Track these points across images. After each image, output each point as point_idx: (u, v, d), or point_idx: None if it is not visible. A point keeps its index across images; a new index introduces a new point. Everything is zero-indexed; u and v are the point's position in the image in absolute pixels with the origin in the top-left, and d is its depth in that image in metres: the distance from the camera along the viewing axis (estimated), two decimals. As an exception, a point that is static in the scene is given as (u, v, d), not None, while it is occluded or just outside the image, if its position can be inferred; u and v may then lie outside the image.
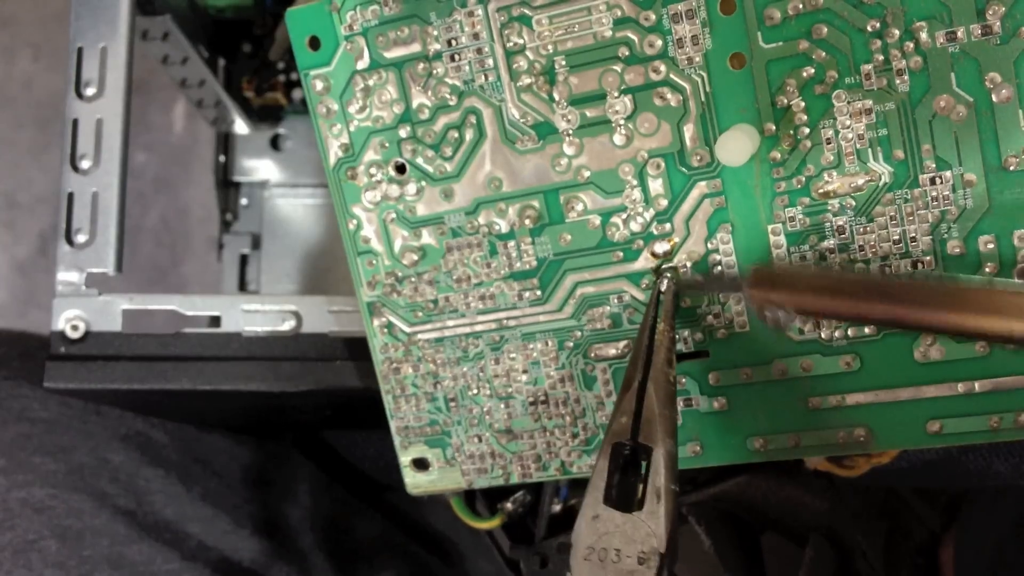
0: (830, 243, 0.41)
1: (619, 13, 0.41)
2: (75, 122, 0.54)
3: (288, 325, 0.54)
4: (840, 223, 0.41)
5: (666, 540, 0.38)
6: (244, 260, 0.97)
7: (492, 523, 0.54)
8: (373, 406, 0.50)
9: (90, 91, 0.54)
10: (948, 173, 0.39)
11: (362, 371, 0.52)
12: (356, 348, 0.51)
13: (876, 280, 0.38)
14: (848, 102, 0.40)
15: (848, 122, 0.40)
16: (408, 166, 0.46)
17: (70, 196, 0.54)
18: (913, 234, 0.40)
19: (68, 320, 0.54)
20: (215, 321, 0.55)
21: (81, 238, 0.54)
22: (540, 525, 0.55)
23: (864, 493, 0.58)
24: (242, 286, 0.97)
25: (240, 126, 0.95)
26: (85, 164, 0.54)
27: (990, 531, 0.62)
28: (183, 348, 0.54)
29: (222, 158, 0.96)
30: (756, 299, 0.39)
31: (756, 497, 0.54)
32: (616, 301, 0.45)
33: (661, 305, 0.42)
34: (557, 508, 0.56)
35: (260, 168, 0.96)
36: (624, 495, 0.39)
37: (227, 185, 0.97)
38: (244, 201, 0.97)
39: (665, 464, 0.39)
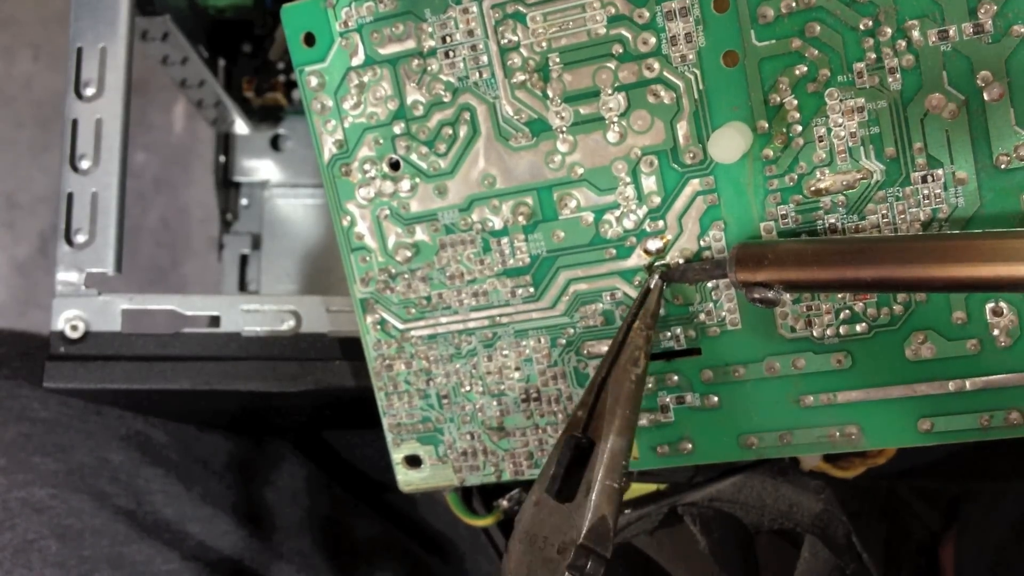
0: (822, 240, 0.41)
1: (613, 10, 0.41)
2: (75, 122, 0.55)
3: (287, 325, 0.54)
4: (832, 221, 0.41)
5: (585, 532, 0.38)
6: (244, 260, 0.97)
7: (488, 520, 0.54)
8: (372, 406, 0.50)
9: (90, 91, 0.55)
10: (940, 171, 0.39)
11: (361, 371, 0.52)
12: (355, 348, 0.51)
13: (862, 243, 0.38)
14: (840, 100, 0.40)
15: (840, 120, 0.40)
16: (402, 162, 0.46)
17: (70, 196, 0.54)
18: (905, 232, 0.40)
19: (68, 320, 0.54)
20: (215, 321, 0.55)
21: (81, 238, 0.54)
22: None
23: (864, 493, 0.58)
24: (242, 286, 0.97)
25: (240, 126, 0.95)
26: (85, 164, 0.54)
27: (990, 531, 0.62)
28: (183, 348, 0.54)
29: (222, 158, 0.96)
30: (742, 279, 0.39)
31: (752, 497, 0.54)
32: (609, 298, 0.45)
33: (645, 303, 0.43)
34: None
35: (260, 168, 0.97)
36: (564, 486, 0.40)
37: (227, 185, 0.97)
38: (244, 201, 0.98)
39: (604, 459, 0.39)
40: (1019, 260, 0.34)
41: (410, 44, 0.44)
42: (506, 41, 0.43)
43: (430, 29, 0.44)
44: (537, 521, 0.39)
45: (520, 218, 0.45)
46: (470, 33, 0.43)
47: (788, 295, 0.42)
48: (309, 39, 0.45)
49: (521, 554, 0.39)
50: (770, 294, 0.39)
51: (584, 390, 0.41)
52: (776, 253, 0.39)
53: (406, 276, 0.47)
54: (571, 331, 0.46)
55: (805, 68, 0.40)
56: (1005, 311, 0.40)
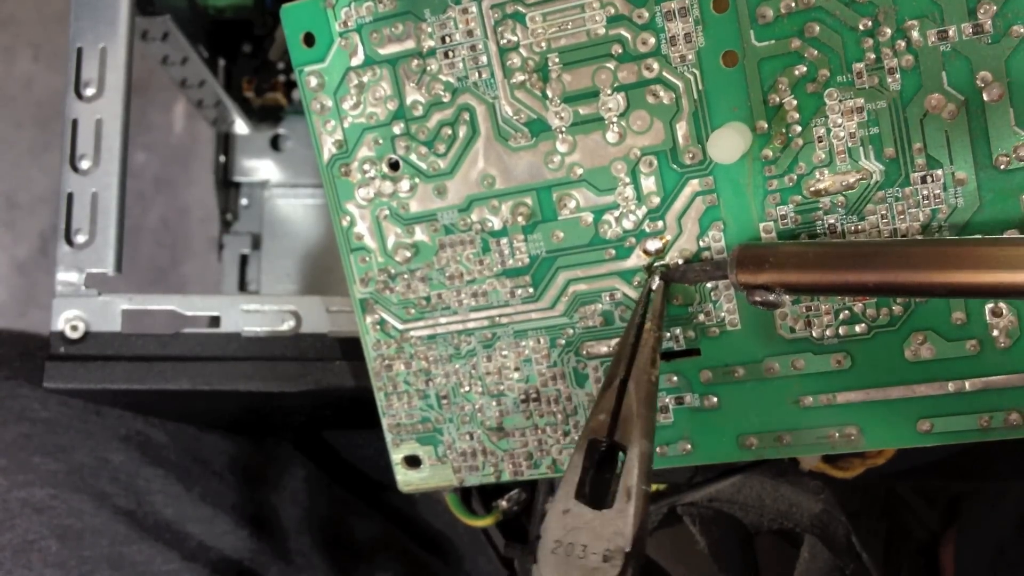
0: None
1: (612, 11, 0.41)
2: (75, 122, 0.55)
3: (287, 325, 0.54)
4: (831, 221, 0.41)
5: (632, 540, 0.38)
6: (244, 260, 0.98)
7: (487, 521, 0.54)
8: (372, 406, 0.50)
9: (90, 91, 0.55)
10: (939, 172, 0.39)
11: (361, 371, 0.52)
12: (355, 348, 0.51)
13: (865, 247, 0.38)
14: (840, 100, 0.40)
15: (840, 120, 0.40)
16: (401, 163, 0.46)
17: (70, 196, 0.54)
18: (904, 232, 0.40)
19: (68, 320, 0.54)
20: (215, 321, 0.55)
21: (81, 238, 0.54)
22: (535, 523, 0.55)
23: (864, 493, 0.58)
24: (242, 286, 0.97)
25: (240, 126, 0.95)
26: (85, 164, 0.54)
27: (990, 531, 0.62)
28: (182, 348, 0.54)
29: (222, 158, 0.96)
30: (744, 281, 0.39)
31: (751, 497, 0.54)
32: (608, 299, 0.45)
33: (650, 304, 0.42)
34: (552, 507, 0.55)
35: (260, 168, 0.97)
36: (596, 492, 0.39)
37: (227, 185, 0.97)
38: (244, 201, 0.98)
39: (638, 464, 0.39)
40: (1021, 267, 0.34)
41: (409, 44, 0.44)
42: (505, 41, 0.43)
43: (429, 29, 0.44)
44: (572, 530, 0.39)
45: (519, 218, 0.45)
46: (469, 33, 0.43)
47: (788, 297, 0.41)
48: (309, 39, 0.45)
49: (556, 564, 0.39)
50: (771, 296, 0.39)
51: (600, 394, 0.41)
52: (778, 255, 0.39)
53: (405, 276, 0.47)
54: (570, 331, 0.46)
55: (804, 68, 0.40)
56: (1004, 312, 0.40)
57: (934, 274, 0.36)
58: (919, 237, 0.40)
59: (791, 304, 0.42)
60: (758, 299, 0.39)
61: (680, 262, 0.43)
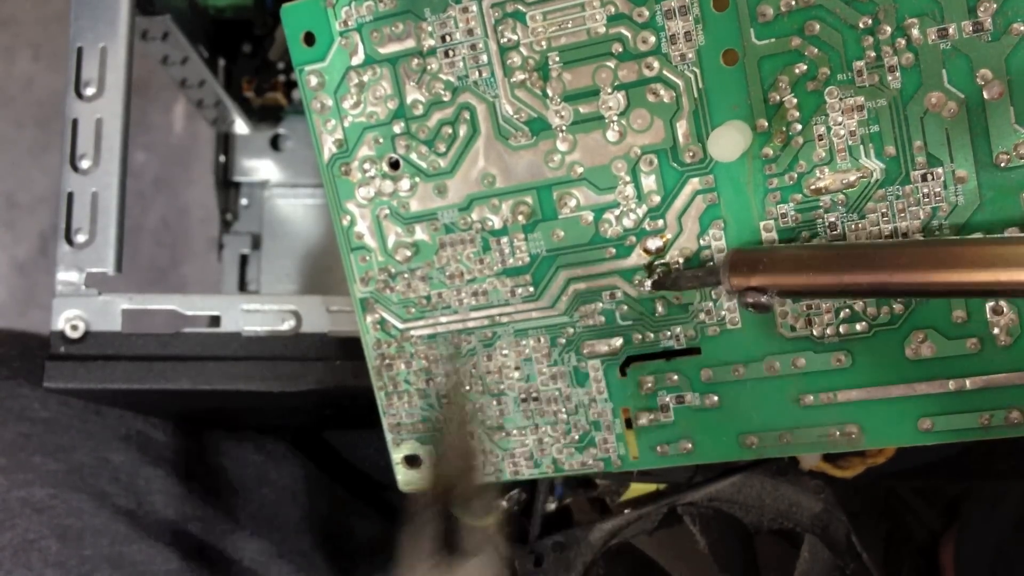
0: (822, 239, 0.41)
1: (612, 9, 0.41)
2: (75, 122, 0.55)
3: (288, 325, 0.54)
4: (832, 219, 0.41)
5: None
6: (244, 260, 0.97)
7: (487, 521, 0.54)
8: (372, 406, 0.50)
9: (90, 91, 0.55)
10: (939, 170, 0.39)
11: (361, 371, 0.52)
12: (356, 348, 0.51)
13: (858, 249, 0.38)
14: (840, 98, 0.40)
15: (840, 118, 0.40)
16: (402, 162, 0.46)
17: (70, 196, 0.54)
18: (905, 230, 0.40)
19: (68, 320, 0.54)
20: (215, 321, 0.55)
21: (81, 238, 0.54)
22: (535, 524, 0.55)
23: (864, 493, 0.58)
24: (242, 286, 0.97)
25: (240, 126, 0.95)
26: (85, 164, 0.54)
27: (990, 531, 0.62)
28: (183, 348, 0.54)
29: (222, 158, 0.96)
30: (736, 285, 0.39)
31: (751, 497, 0.54)
32: (608, 298, 0.45)
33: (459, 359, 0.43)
34: (552, 507, 0.56)
35: (260, 168, 0.97)
36: (447, 546, 0.39)
37: (227, 185, 0.97)
38: (244, 201, 0.98)
39: (486, 511, 0.39)
40: (1019, 266, 0.34)
41: (410, 43, 0.44)
42: (506, 40, 0.43)
43: (430, 28, 0.44)
44: None
45: (520, 217, 0.45)
46: (470, 32, 0.43)
47: (781, 300, 0.41)
48: (309, 38, 0.45)
49: None
50: (763, 299, 0.39)
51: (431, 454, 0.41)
52: (772, 258, 0.39)
53: (406, 275, 0.47)
54: (571, 331, 0.46)
55: (805, 67, 0.40)
56: (1005, 310, 0.40)
57: (928, 274, 0.36)
58: (914, 237, 0.40)
59: (792, 303, 0.42)
60: (750, 300, 0.39)
61: (680, 261, 0.43)
